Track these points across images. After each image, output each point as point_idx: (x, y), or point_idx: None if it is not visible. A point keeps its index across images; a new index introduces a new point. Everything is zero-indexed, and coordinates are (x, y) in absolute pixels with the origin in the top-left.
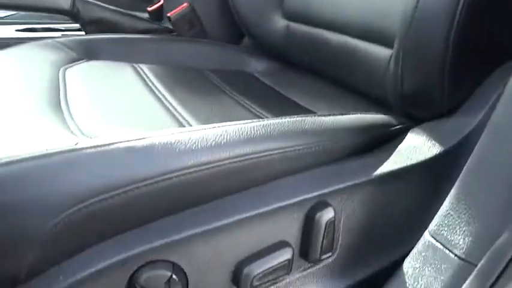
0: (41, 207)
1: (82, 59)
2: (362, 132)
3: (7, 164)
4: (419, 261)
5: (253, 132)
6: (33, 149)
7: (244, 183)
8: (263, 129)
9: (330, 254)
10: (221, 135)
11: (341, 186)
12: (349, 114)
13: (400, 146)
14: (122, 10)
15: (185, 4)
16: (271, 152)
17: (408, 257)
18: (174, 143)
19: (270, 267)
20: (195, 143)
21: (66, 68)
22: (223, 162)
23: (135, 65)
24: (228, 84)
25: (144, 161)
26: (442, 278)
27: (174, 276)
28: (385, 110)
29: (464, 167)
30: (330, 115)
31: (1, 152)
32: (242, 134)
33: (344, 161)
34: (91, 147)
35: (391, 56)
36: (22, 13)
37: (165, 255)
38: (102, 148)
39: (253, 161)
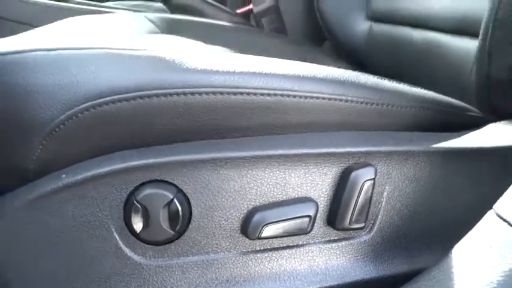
0: (51, 98)
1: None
2: (429, 108)
3: (21, 52)
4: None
5: (301, 69)
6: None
7: (279, 124)
8: (312, 70)
9: (362, 225)
10: (259, 62)
11: (390, 148)
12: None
13: (473, 132)
14: (210, 1)
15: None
16: (316, 95)
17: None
18: (207, 60)
19: (285, 219)
20: (228, 64)
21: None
22: (257, 91)
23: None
24: None
25: (166, 70)
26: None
27: (175, 201)
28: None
29: None
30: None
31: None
32: (287, 67)
33: (400, 131)
34: (115, 49)
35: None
36: None
37: (170, 176)
38: (128, 52)
39: (294, 100)
